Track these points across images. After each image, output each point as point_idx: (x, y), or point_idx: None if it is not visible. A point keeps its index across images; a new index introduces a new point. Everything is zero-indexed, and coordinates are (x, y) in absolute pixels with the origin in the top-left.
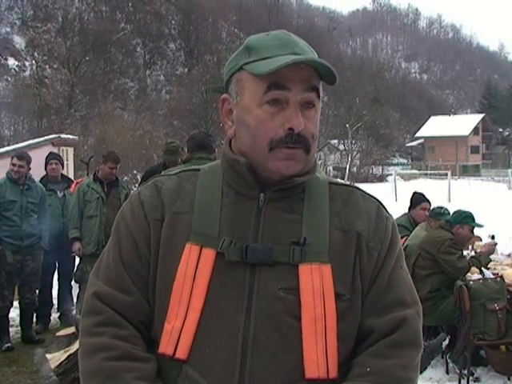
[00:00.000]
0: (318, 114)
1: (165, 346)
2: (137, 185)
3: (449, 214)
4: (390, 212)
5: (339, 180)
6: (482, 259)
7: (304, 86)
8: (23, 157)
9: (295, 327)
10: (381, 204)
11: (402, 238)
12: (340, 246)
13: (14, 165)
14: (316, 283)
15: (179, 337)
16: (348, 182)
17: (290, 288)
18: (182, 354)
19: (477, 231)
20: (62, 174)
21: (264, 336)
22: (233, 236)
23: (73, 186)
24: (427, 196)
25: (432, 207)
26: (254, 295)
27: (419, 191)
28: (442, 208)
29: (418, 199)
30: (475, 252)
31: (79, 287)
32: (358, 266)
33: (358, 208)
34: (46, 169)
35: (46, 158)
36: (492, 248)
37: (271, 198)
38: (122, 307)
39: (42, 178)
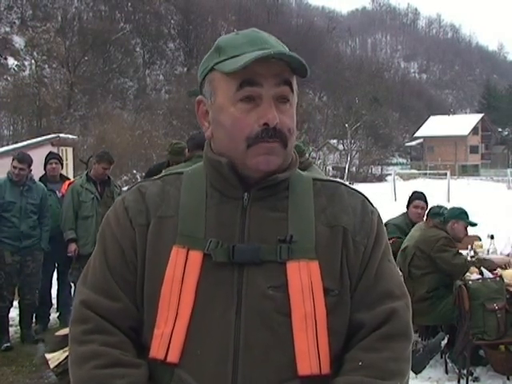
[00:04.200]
0: (294, 108)
1: (156, 351)
2: None
3: None
4: (389, 211)
5: (323, 176)
6: (485, 263)
7: (276, 80)
8: (24, 159)
9: (286, 325)
10: (366, 198)
11: (391, 238)
12: (327, 241)
13: (14, 167)
14: (304, 279)
15: (170, 340)
16: (332, 178)
17: (278, 286)
18: (173, 357)
19: (476, 231)
20: (60, 174)
21: (255, 335)
22: (219, 237)
23: (65, 186)
24: (426, 196)
25: (431, 206)
26: (243, 295)
27: (419, 190)
28: (441, 207)
29: (411, 197)
30: (474, 252)
31: (75, 288)
32: (346, 261)
33: (343, 203)
34: (45, 168)
35: (46, 158)
36: (506, 262)
37: (255, 197)
38: (110, 314)
39: (40, 178)
